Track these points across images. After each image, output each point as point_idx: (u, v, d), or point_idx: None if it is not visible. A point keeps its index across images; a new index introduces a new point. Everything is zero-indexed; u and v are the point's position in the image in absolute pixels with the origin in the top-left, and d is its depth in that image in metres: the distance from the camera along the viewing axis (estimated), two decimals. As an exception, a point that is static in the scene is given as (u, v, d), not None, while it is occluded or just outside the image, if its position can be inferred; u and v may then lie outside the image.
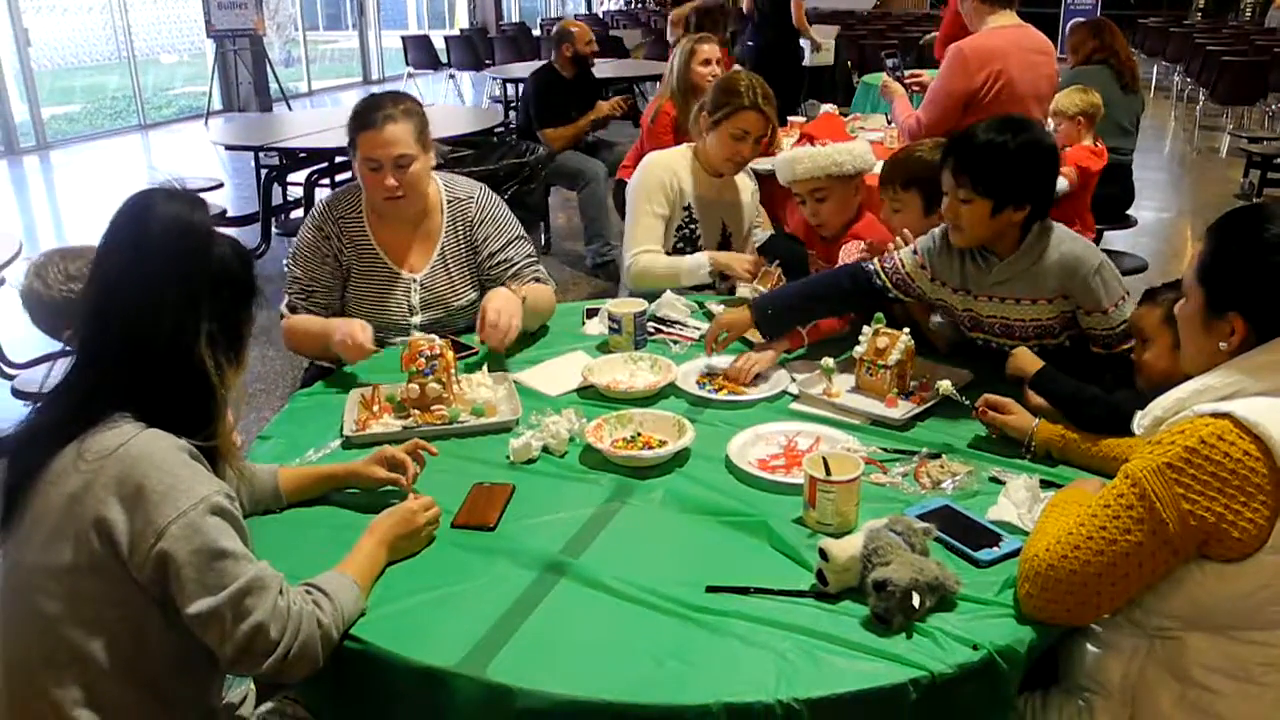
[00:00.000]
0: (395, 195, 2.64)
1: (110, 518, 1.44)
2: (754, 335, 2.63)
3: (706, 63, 4.63)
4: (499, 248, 2.82)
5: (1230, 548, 1.44)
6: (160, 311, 1.52)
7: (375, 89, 2.78)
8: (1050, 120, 4.53)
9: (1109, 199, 4.98)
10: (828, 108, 6.02)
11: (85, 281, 1.60)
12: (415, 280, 2.76)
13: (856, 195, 3.01)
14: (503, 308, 2.57)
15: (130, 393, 1.52)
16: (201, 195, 1.75)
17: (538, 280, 2.84)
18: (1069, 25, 6.14)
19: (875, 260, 2.59)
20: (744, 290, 2.84)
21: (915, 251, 2.52)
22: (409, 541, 1.80)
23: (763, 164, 4.58)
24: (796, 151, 2.98)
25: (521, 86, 11.30)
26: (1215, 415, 1.47)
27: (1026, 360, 2.25)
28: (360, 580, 1.66)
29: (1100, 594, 1.52)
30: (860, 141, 3.06)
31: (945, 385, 2.31)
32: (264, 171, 6.58)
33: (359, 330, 2.47)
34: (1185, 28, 15.06)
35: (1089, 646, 1.66)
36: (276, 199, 6.68)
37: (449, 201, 2.82)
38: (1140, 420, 1.62)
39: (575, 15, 19.09)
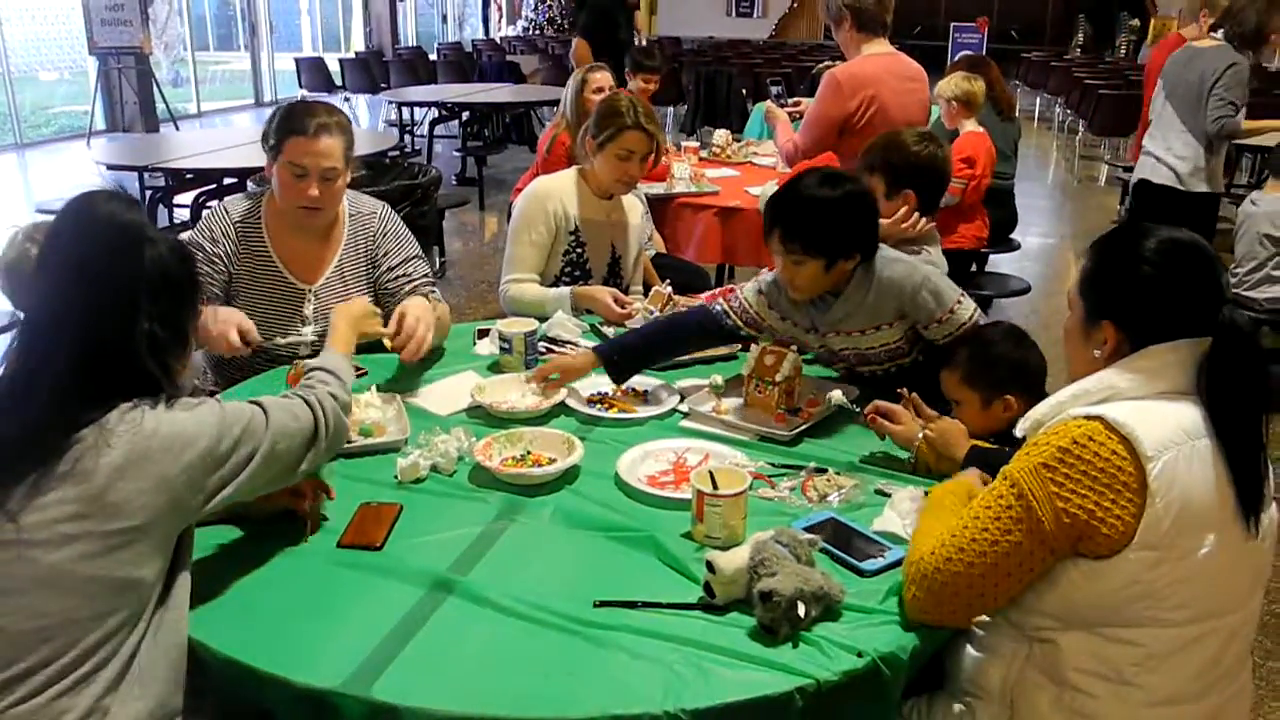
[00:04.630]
0: (313, 205, 2.61)
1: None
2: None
3: (599, 91, 4.66)
4: (398, 262, 2.81)
5: (1100, 544, 1.50)
6: (102, 314, 1.52)
7: (267, 112, 2.73)
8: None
9: (993, 223, 5.16)
10: (721, 133, 6.12)
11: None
12: (310, 291, 2.73)
13: None
14: (422, 316, 2.54)
15: (94, 394, 1.50)
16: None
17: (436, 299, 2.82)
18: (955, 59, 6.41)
19: (722, 300, 2.62)
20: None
21: (760, 291, 2.56)
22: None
23: (654, 188, 4.68)
24: (770, 186, 3.05)
25: (417, 111, 11.33)
26: (1087, 418, 1.54)
27: (957, 440, 2.11)
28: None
29: (984, 595, 1.58)
30: None
31: (837, 395, 2.36)
32: (149, 193, 6.42)
33: (234, 332, 2.42)
34: (1065, 62, 15.62)
35: (971, 651, 1.70)
36: (162, 221, 6.52)
37: (351, 215, 2.80)
38: (1022, 425, 1.68)
39: (473, 40, 19.05)
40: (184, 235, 2.70)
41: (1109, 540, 1.49)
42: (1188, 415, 1.53)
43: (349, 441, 2.22)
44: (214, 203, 6.04)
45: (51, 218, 1.64)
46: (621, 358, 2.53)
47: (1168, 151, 4.93)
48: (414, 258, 2.85)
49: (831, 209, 2.31)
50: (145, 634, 1.51)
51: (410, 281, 2.79)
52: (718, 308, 2.60)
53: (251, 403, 1.71)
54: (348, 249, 2.78)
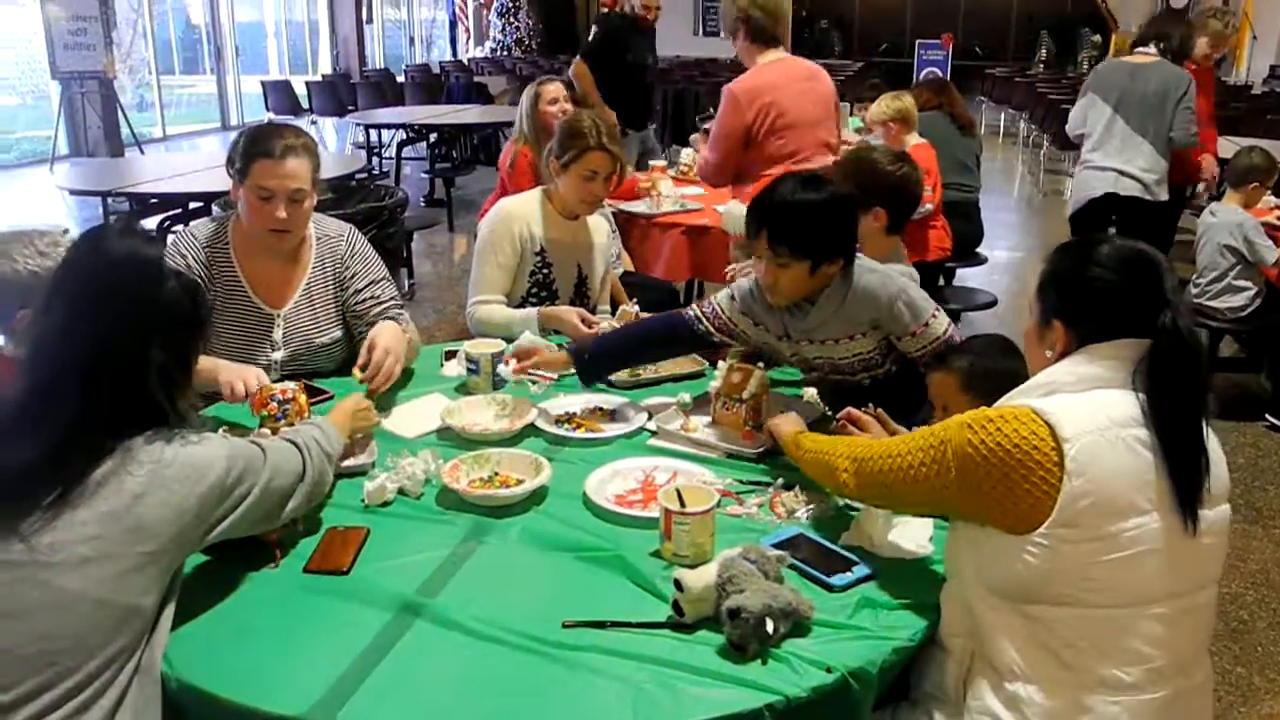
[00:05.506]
0: (282, 228, 2.60)
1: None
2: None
3: (554, 101, 4.71)
4: (365, 285, 2.79)
5: (1015, 517, 1.55)
6: (117, 347, 1.56)
7: (234, 136, 2.71)
8: (870, 132, 5.21)
9: (959, 236, 5.21)
10: (688, 152, 6.14)
11: (39, 307, 1.65)
12: (278, 315, 2.71)
13: None
14: (392, 347, 2.53)
15: (107, 426, 1.54)
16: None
17: (399, 319, 2.81)
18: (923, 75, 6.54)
19: (695, 306, 2.63)
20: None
21: (733, 297, 2.57)
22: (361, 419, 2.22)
23: (635, 205, 4.73)
24: (732, 205, 3.05)
25: (385, 133, 11.32)
26: (1020, 406, 1.62)
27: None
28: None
29: (892, 501, 1.82)
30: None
31: (810, 393, 2.35)
32: (112, 218, 6.38)
33: (253, 380, 2.40)
34: (1029, 78, 15.81)
35: (931, 655, 1.72)
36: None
37: (319, 239, 2.79)
38: None
39: (440, 62, 19.04)
40: (165, 249, 2.69)
41: (1028, 512, 1.54)
42: (1120, 407, 1.58)
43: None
44: (179, 227, 6.03)
45: (17, 227, 1.66)
46: (592, 358, 2.56)
47: (1129, 164, 5.05)
48: (381, 280, 2.84)
49: (819, 211, 2.33)
50: (139, 665, 1.52)
51: (379, 304, 2.78)
52: (690, 313, 2.61)
53: (251, 442, 1.77)
54: (315, 272, 2.77)
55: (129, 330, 1.58)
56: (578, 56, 6.85)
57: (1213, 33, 5.57)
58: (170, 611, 1.60)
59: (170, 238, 2.74)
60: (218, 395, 2.46)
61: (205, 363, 2.49)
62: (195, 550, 1.64)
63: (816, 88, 4.23)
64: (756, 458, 2.30)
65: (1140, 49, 5.21)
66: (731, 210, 3.04)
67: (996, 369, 2.22)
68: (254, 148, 2.56)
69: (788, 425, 2.17)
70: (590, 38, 7.00)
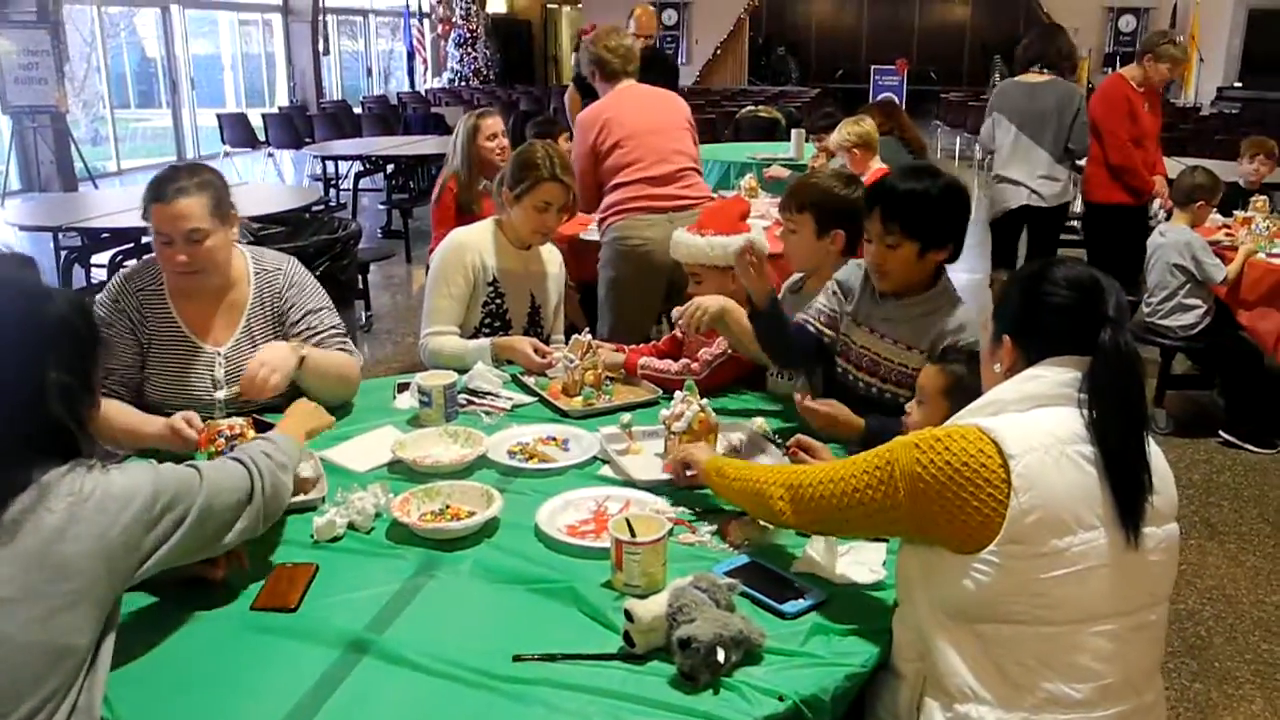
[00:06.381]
0: (187, 270, 2.57)
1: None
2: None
3: (493, 137, 4.67)
4: (302, 315, 2.76)
5: (964, 535, 1.56)
6: (14, 379, 1.51)
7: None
8: (836, 157, 5.40)
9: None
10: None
11: None
12: (219, 354, 2.67)
13: (734, 284, 2.86)
14: (267, 359, 2.51)
15: (17, 459, 1.49)
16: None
17: (343, 350, 2.78)
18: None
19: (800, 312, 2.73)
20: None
21: (829, 284, 2.68)
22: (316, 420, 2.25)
23: (590, 233, 4.73)
24: (679, 233, 3.05)
25: (342, 165, 11.29)
26: (968, 425, 1.64)
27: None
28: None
29: (837, 525, 1.79)
30: (740, 237, 2.92)
31: (760, 422, 2.35)
32: (64, 253, 6.31)
33: (185, 429, 2.37)
34: (982, 102, 15.99)
35: (885, 679, 1.72)
36: (79, 281, 6.40)
37: (256, 273, 2.75)
38: None
39: (398, 93, 19.03)
40: (99, 296, 2.66)
41: (974, 530, 1.55)
42: (1063, 423, 1.61)
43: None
44: (130, 262, 5.97)
45: None
46: (772, 310, 2.60)
47: (1033, 176, 5.67)
48: (321, 309, 2.79)
49: (930, 194, 2.41)
50: (75, 706, 1.48)
51: (315, 334, 2.74)
52: (799, 317, 2.71)
53: (187, 465, 1.72)
54: (255, 307, 2.73)
55: (19, 356, 1.52)
56: (570, 82, 6.91)
57: (1170, 58, 5.82)
58: (109, 650, 1.56)
59: (108, 285, 2.71)
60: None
61: (134, 420, 2.48)
62: (131, 582, 1.58)
63: (659, 103, 4.48)
64: (674, 488, 2.26)
65: (1031, 69, 5.70)
66: (680, 239, 3.04)
67: (977, 390, 2.24)
68: (149, 193, 2.56)
69: (702, 454, 2.16)
70: (574, 63, 7.05)
